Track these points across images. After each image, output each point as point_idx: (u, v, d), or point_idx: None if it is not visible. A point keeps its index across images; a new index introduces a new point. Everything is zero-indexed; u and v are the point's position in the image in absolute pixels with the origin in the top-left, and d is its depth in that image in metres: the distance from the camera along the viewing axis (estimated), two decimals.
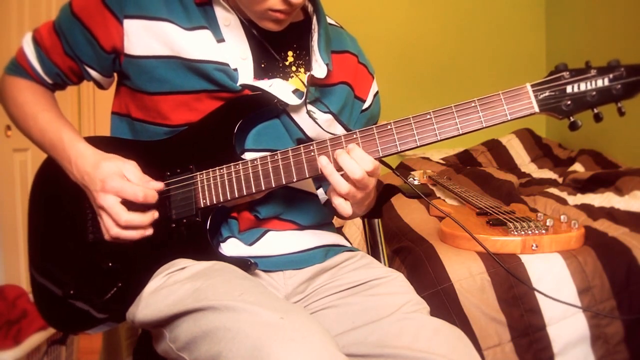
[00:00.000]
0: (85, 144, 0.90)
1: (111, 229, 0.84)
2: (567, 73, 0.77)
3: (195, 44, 0.88)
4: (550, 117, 0.80)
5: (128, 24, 0.88)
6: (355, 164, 0.79)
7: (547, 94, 0.77)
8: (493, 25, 3.39)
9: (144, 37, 0.88)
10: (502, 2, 3.40)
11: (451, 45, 3.39)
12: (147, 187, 0.85)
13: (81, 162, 0.87)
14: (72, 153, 0.89)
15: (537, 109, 0.78)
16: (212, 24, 0.91)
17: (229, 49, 0.90)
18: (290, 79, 0.95)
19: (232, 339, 0.67)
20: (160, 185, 0.87)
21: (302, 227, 0.96)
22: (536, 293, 1.30)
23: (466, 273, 1.32)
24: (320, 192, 1.02)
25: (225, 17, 0.91)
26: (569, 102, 0.77)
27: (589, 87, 0.77)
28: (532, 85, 0.78)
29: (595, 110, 0.77)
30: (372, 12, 3.35)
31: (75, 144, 0.89)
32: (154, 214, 0.86)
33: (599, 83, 0.76)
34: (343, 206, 0.81)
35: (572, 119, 0.78)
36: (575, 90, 0.77)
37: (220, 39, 0.90)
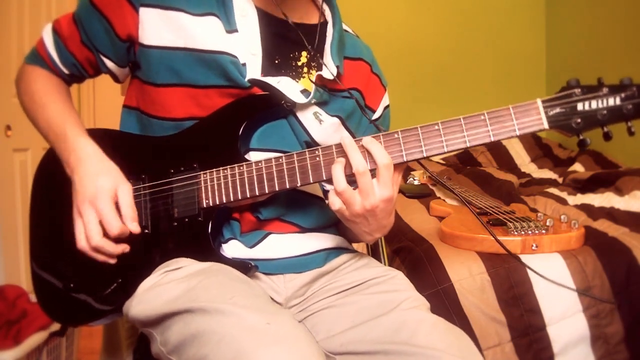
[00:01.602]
0: (88, 140, 0.89)
1: (79, 241, 0.85)
2: (579, 90, 0.75)
3: (204, 32, 0.88)
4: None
5: (144, 12, 0.88)
6: (386, 153, 0.78)
7: (557, 110, 0.76)
8: (493, 25, 3.39)
9: (158, 27, 0.88)
10: (502, 2, 3.40)
11: (451, 45, 3.39)
12: (125, 227, 0.84)
13: (82, 158, 0.87)
14: (73, 147, 0.88)
15: (546, 126, 0.76)
16: (227, 13, 0.90)
17: (240, 42, 0.90)
18: (301, 78, 0.94)
19: (218, 342, 0.67)
20: (137, 230, 0.86)
21: (303, 230, 0.96)
22: (536, 293, 1.30)
23: (466, 273, 1.32)
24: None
25: (243, 8, 0.91)
26: (579, 120, 0.75)
27: (600, 106, 0.75)
28: (543, 101, 0.76)
29: (605, 129, 0.76)
30: (372, 13, 3.35)
31: (77, 138, 0.89)
32: (124, 249, 0.86)
33: (610, 102, 0.74)
34: (333, 200, 0.79)
35: (581, 137, 0.76)
36: (586, 107, 0.75)
37: (234, 30, 0.90)
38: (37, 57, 0.98)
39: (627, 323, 1.32)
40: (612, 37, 2.68)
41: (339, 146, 0.82)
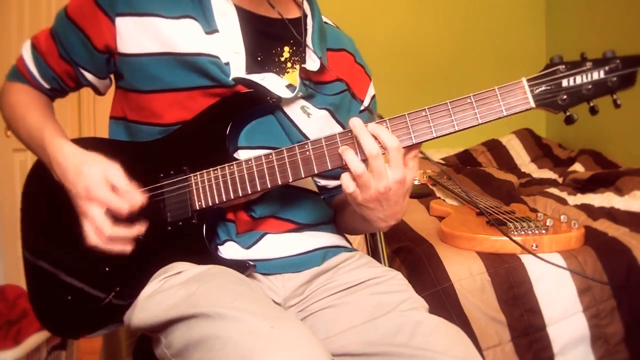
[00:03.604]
0: (65, 141, 0.89)
1: (92, 238, 0.83)
2: (563, 66, 0.76)
3: (183, 35, 0.87)
4: (548, 113, 0.79)
5: (120, 22, 0.88)
6: (394, 137, 0.78)
7: (542, 88, 0.76)
8: (493, 24, 3.39)
9: (135, 35, 0.88)
10: (502, 2, 3.40)
11: (451, 46, 3.39)
12: (132, 200, 0.83)
13: (61, 159, 0.86)
14: (50, 150, 0.87)
15: (533, 104, 0.76)
16: (206, 14, 0.90)
17: (222, 41, 0.89)
18: (285, 74, 0.94)
19: (223, 347, 0.67)
20: (143, 200, 0.85)
21: (299, 226, 0.95)
22: (536, 293, 1.30)
23: (466, 273, 1.32)
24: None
25: (221, 7, 0.91)
26: (564, 97, 0.76)
27: (584, 80, 0.75)
28: (528, 80, 0.77)
29: (591, 104, 0.76)
30: (372, 12, 3.35)
31: (54, 139, 0.88)
32: (140, 229, 0.85)
33: (595, 76, 0.75)
34: (347, 184, 0.78)
35: (567, 112, 0.77)
36: (571, 83, 0.76)
37: (214, 30, 0.89)
38: (18, 73, 0.98)
39: (627, 323, 1.32)
40: (612, 37, 2.68)
41: (328, 139, 0.81)
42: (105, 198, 0.82)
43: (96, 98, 3.17)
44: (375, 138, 0.78)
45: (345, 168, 0.79)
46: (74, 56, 0.93)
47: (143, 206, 0.86)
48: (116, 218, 0.83)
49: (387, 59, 3.24)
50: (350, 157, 0.78)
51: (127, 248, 0.85)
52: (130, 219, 0.84)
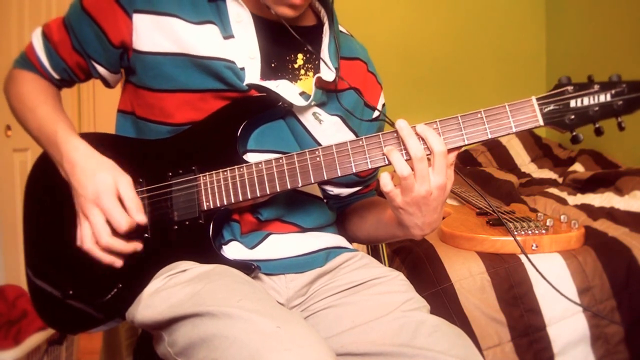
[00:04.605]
0: (80, 141, 0.88)
1: (86, 242, 0.84)
2: (571, 87, 0.78)
3: (202, 39, 0.88)
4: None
5: (137, 18, 0.88)
6: (442, 141, 0.78)
7: (551, 107, 0.78)
8: (493, 25, 3.39)
9: (152, 33, 0.88)
10: (502, 2, 3.40)
11: (451, 46, 3.39)
12: (133, 219, 0.84)
13: (76, 159, 0.86)
14: (64, 148, 0.87)
15: (541, 122, 0.78)
16: (222, 19, 0.90)
17: (237, 47, 0.89)
18: (298, 81, 0.94)
19: (229, 347, 0.67)
20: (144, 220, 0.85)
21: (303, 230, 0.95)
22: (536, 293, 1.30)
23: (466, 273, 1.32)
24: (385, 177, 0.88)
25: (237, 13, 0.91)
26: (572, 117, 0.78)
27: (591, 102, 0.77)
28: (538, 99, 0.78)
29: (597, 125, 0.78)
30: (373, 14, 3.35)
31: (69, 138, 0.88)
32: (136, 247, 0.85)
33: (601, 98, 0.77)
34: (385, 182, 0.78)
35: (574, 133, 0.79)
36: (579, 104, 0.78)
37: (230, 36, 0.90)
38: (27, 61, 0.97)
39: (627, 323, 1.32)
40: (612, 36, 2.68)
41: (339, 146, 0.82)
42: (110, 209, 0.83)
43: (96, 90, 3.18)
44: (422, 140, 0.78)
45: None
46: (88, 49, 0.92)
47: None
48: (115, 230, 0.84)
49: (387, 59, 3.23)
50: (397, 158, 0.78)
51: (117, 263, 0.85)
52: (128, 234, 0.85)
